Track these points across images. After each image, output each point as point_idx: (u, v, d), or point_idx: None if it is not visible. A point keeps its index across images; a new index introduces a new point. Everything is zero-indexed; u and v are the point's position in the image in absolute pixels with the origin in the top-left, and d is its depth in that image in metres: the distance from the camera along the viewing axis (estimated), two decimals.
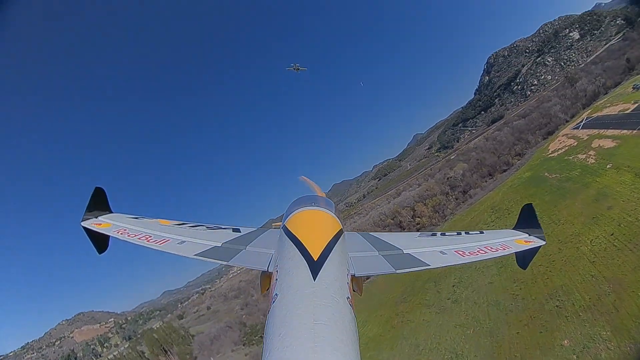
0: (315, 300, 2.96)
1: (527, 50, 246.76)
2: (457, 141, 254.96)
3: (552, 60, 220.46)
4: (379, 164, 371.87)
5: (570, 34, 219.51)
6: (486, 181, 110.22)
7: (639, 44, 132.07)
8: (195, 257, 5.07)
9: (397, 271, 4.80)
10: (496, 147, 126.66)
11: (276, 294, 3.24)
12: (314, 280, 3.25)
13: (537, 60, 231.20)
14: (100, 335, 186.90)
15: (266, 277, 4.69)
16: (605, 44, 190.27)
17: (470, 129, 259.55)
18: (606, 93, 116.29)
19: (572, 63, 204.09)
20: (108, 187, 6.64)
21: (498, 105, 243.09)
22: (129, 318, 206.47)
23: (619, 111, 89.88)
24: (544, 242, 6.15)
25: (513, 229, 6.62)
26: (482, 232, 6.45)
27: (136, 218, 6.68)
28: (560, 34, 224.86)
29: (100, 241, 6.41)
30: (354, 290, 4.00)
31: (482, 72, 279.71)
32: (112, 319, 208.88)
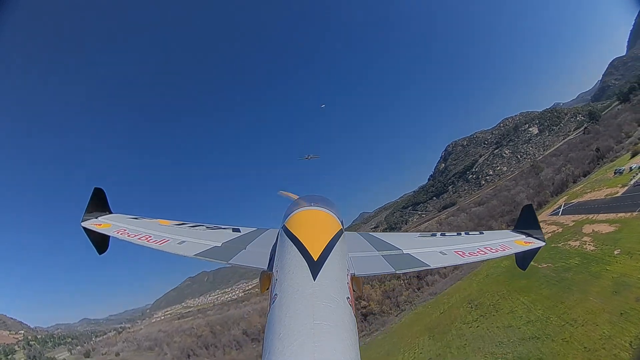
0: (315, 300, 2.97)
1: (486, 142, 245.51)
2: (406, 223, 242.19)
3: (509, 152, 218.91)
4: None
5: (530, 129, 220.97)
6: (445, 268, 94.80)
7: (605, 136, 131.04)
8: (195, 257, 5.05)
9: (397, 271, 4.75)
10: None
11: (276, 294, 3.26)
12: (314, 280, 3.24)
13: (494, 151, 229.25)
14: (7, 344, 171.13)
15: (266, 277, 4.63)
16: (563, 139, 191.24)
17: (420, 213, 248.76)
18: (575, 181, 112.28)
19: (529, 156, 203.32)
20: (107, 188, 6.66)
21: (451, 192, 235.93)
22: (39, 336, 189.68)
23: (606, 195, 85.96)
24: (543, 243, 6.09)
25: (513, 229, 6.59)
26: (482, 233, 6.44)
27: (136, 218, 6.67)
28: (520, 129, 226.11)
29: (100, 242, 6.40)
30: (354, 290, 3.90)
31: (439, 159, 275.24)
32: (23, 332, 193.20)
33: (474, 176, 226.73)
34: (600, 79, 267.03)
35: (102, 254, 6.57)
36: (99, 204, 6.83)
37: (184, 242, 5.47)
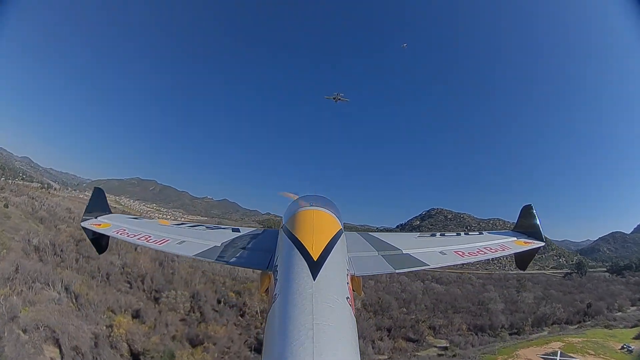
0: (315, 300, 2.97)
1: (469, 227, 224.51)
2: None
3: None
4: None
5: None
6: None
7: (593, 295, 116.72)
8: (195, 257, 5.15)
9: (397, 271, 4.84)
10: None
11: (276, 294, 3.31)
12: (314, 280, 3.24)
13: None
14: None
15: (266, 277, 4.64)
16: (539, 269, 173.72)
17: None
18: (558, 324, 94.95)
19: (499, 266, 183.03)
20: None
21: None
22: None
23: None
24: (543, 244, 6.23)
25: (512, 229, 6.78)
26: (482, 233, 6.68)
27: (135, 218, 6.88)
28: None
29: (100, 241, 6.57)
30: (353, 290, 3.99)
31: (417, 215, 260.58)
32: None
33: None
34: (594, 240, 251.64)
35: (101, 254, 6.83)
36: (99, 204, 6.87)
37: (183, 242, 5.41)
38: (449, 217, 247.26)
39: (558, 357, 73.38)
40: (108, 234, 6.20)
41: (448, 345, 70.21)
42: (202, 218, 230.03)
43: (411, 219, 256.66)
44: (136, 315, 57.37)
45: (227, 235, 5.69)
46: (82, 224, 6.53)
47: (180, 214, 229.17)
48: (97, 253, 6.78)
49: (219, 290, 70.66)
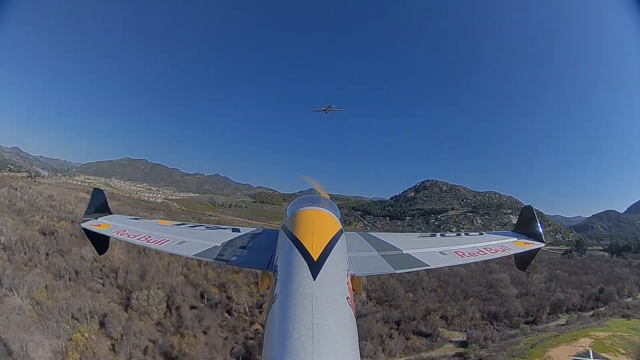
0: (315, 300, 2.96)
1: (465, 200, 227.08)
2: (349, 225, 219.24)
3: (480, 224, 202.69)
4: None
5: (510, 215, 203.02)
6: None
7: (599, 277, 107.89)
8: (195, 257, 5.08)
9: (397, 271, 4.78)
10: None
11: (276, 294, 3.29)
12: (314, 280, 3.24)
13: (468, 214, 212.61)
14: None
15: (266, 277, 4.61)
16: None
17: (366, 223, 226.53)
18: (573, 312, 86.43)
19: None
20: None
21: (406, 224, 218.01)
22: None
23: None
24: (543, 244, 6.12)
25: (512, 230, 6.59)
26: (482, 234, 6.51)
27: (136, 219, 6.76)
28: (502, 210, 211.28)
29: (100, 242, 6.47)
30: (353, 290, 4.00)
31: (411, 186, 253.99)
32: None
33: (436, 223, 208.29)
34: (588, 217, 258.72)
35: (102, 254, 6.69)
36: (99, 205, 6.77)
37: (183, 242, 5.33)
38: (444, 189, 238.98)
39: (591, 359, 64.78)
40: (108, 235, 6.05)
41: (465, 339, 61.69)
42: (193, 194, 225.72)
43: (405, 191, 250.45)
44: (103, 322, 46.95)
45: (227, 235, 5.58)
46: (83, 225, 6.36)
47: (171, 191, 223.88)
48: (97, 253, 6.61)
49: (200, 283, 59.58)
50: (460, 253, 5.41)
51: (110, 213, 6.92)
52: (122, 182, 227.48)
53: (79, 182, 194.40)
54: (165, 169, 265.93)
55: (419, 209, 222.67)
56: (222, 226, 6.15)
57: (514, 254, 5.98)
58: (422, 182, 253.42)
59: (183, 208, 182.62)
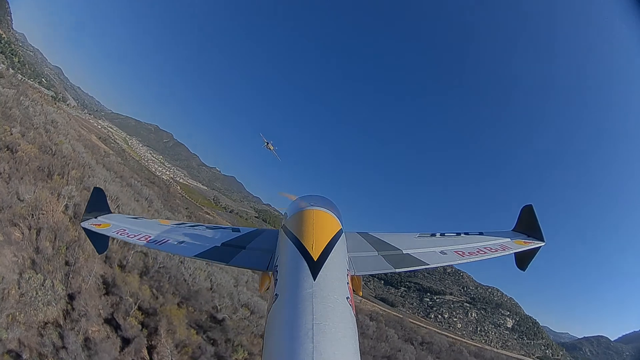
0: (315, 300, 2.89)
1: (465, 288, 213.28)
2: None
3: (474, 318, 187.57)
4: None
5: (507, 318, 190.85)
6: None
7: None
8: (195, 257, 5.01)
9: (397, 270, 4.72)
10: None
11: (276, 294, 3.21)
12: (314, 280, 3.16)
13: (465, 304, 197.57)
14: None
15: (266, 277, 4.48)
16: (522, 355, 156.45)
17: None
18: None
19: (491, 341, 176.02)
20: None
21: (397, 295, 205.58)
22: None
23: None
24: (543, 243, 5.89)
25: (512, 230, 6.31)
26: (482, 233, 6.15)
27: (135, 218, 6.58)
28: (500, 311, 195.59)
29: (100, 241, 6.30)
30: (353, 290, 3.92)
31: None
32: None
33: (430, 303, 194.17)
34: (578, 337, 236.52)
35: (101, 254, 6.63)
36: (99, 204, 6.56)
37: (183, 242, 5.25)
38: (449, 271, 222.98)
39: None
40: (108, 235, 5.82)
41: None
42: (202, 187, 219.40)
43: None
44: None
45: (227, 235, 5.45)
46: (82, 224, 6.15)
47: (183, 174, 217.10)
48: (97, 253, 6.26)
49: (113, 304, 39.02)
50: (460, 252, 5.17)
51: (110, 212, 6.55)
52: (140, 145, 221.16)
53: (100, 127, 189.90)
54: (186, 151, 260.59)
55: (417, 284, 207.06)
56: (222, 226, 5.81)
57: (514, 253, 5.67)
58: None
59: (182, 194, 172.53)
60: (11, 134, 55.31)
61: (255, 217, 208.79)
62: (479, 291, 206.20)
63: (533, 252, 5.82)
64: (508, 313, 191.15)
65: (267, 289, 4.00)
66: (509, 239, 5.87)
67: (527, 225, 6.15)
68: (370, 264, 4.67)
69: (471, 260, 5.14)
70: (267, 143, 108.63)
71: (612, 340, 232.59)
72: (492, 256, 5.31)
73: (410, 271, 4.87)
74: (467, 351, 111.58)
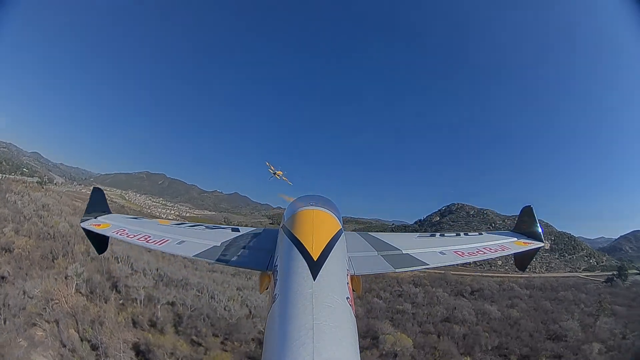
0: (315, 300, 2.89)
1: (494, 225, 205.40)
2: None
3: None
4: None
5: (545, 241, 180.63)
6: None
7: None
8: (195, 257, 4.97)
9: (397, 270, 4.69)
10: None
11: (276, 294, 3.20)
12: (314, 280, 3.15)
13: None
14: None
15: (265, 277, 4.51)
16: (570, 271, 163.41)
17: None
18: None
19: (530, 268, 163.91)
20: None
21: None
22: None
23: None
24: (542, 244, 5.95)
25: (512, 230, 6.45)
26: (481, 234, 6.26)
27: (135, 218, 6.47)
28: None
29: (99, 241, 6.19)
30: (353, 290, 3.91)
31: (436, 210, 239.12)
32: None
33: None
34: (615, 238, 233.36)
35: (101, 254, 6.42)
36: (98, 204, 6.56)
37: (183, 242, 5.20)
38: (472, 213, 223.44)
39: None
40: (107, 235, 5.77)
41: None
42: (209, 213, 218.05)
43: (430, 215, 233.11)
44: None
45: (227, 235, 5.40)
46: (82, 224, 6.10)
47: (187, 208, 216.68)
48: (97, 253, 6.20)
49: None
50: (459, 253, 5.15)
51: (110, 212, 6.50)
52: (138, 195, 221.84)
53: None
54: (183, 185, 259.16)
55: (443, 234, 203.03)
56: (222, 226, 5.84)
57: (514, 254, 5.71)
58: (448, 206, 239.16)
59: None
60: (4, 234, 54.39)
61: (270, 223, 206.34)
62: (507, 223, 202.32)
63: (532, 252, 5.79)
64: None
65: (267, 289, 3.92)
66: (508, 240, 5.89)
67: (527, 225, 6.18)
68: (370, 264, 4.61)
69: (471, 260, 5.08)
70: (275, 173, 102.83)
71: None
72: (492, 256, 5.28)
73: (409, 271, 4.86)
74: (517, 285, 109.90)
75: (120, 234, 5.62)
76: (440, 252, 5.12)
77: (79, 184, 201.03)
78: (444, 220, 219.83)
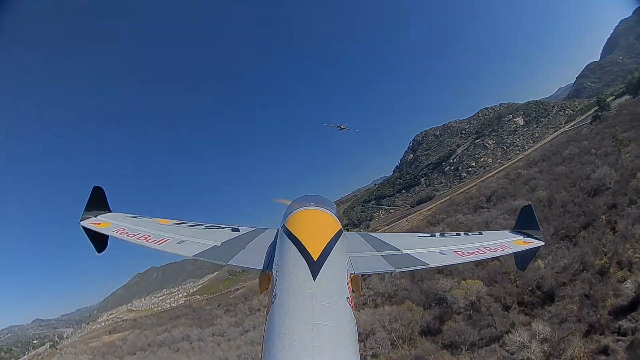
0: (315, 300, 2.80)
1: (464, 132, 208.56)
2: (370, 219, 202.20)
3: (492, 143, 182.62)
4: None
5: (515, 119, 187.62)
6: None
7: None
8: (194, 257, 4.76)
9: (397, 270, 4.51)
10: None
11: (276, 294, 3.07)
12: (314, 280, 3.05)
13: (475, 141, 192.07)
14: None
15: (265, 277, 4.16)
16: (555, 131, 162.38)
17: (386, 207, 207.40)
18: None
19: (517, 147, 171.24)
20: (107, 186, 6.24)
21: (424, 185, 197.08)
22: None
23: None
24: (542, 243, 5.75)
25: (512, 229, 6.12)
26: (482, 233, 6.01)
27: (135, 217, 6.17)
28: (504, 119, 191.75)
29: (99, 241, 5.89)
30: (353, 291, 3.63)
31: (406, 149, 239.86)
32: None
33: (452, 167, 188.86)
34: (574, 80, 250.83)
35: (101, 253, 6.04)
36: (98, 202, 6.20)
37: (183, 241, 5.00)
38: (437, 133, 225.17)
39: None
40: (108, 234, 5.53)
41: None
42: (212, 275, 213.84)
43: (403, 157, 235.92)
44: None
45: (227, 234, 5.18)
46: (82, 223, 5.83)
47: (191, 283, 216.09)
48: (96, 252, 5.97)
49: None
50: (460, 253, 4.97)
51: (110, 211, 6.22)
52: (142, 300, 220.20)
53: (104, 323, 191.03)
54: (175, 265, 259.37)
55: (427, 165, 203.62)
56: (222, 225, 5.61)
57: (514, 253, 5.51)
58: (414, 140, 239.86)
59: (207, 296, 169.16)
60: None
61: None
62: (474, 123, 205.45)
63: (532, 252, 5.62)
64: (510, 116, 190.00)
65: (267, 289, 3.80)
66: (509, 239, 5.73)
67: (527, 224, 6.00)
68: (369, 264, 4.46)
69: (471, 260, 4.95)
70: (340, 127, 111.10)
71: (599, 60, 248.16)
72: (492, 256, 5.16)
73: (409, 271, 4.79)
74: (522, 170, 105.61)
75: (120, 233, 5.39)
76: (440, 252, 4.92)
77: (87, 324, 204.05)
78: (418, 154, 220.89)
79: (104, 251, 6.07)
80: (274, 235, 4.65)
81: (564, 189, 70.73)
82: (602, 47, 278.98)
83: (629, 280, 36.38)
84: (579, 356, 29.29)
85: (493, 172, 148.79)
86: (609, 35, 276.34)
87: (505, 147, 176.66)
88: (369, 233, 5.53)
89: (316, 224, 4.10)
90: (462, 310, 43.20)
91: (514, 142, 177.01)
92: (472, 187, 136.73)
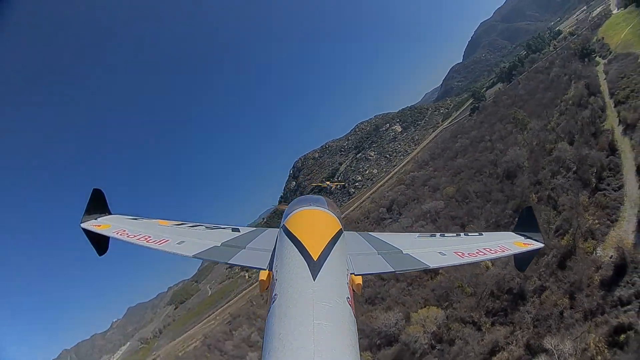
0: (315, 300, 2.85)
1: (343, 149, 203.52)
2: None
3: (375, 154, 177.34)
4: (174, 284, 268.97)
5: (393, 127, 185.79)
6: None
7: (529, 113, 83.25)
8: (194, 257, 4.85)
9: (397, 271, 4.56)
10: None
11: (276, 294, 3.14)
12: (314, 280, 3.12)
13: (357, 156, 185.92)
14: None
15: (265, 277, 4.20)
16: (435, 130, 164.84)
17: None
18: None
19: (400, 153, 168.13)
20: (107, 189, 6.20)
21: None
22: None
23: None
24: (542, 245, 5.78)
25: (512, 231, 6.13)
26: (481, 234, 6.04)
27: (135, 219, 6.23)
28: (381, 129, 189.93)
29: (100, 243, 5.96)
30: (353, 291, 3.77)
31: (287, 177, 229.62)
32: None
33: (338, 186, 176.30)
34: (441, 82, 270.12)
35: (102, 256, 6.07)
36: (98, 205, 6.29)
37: (183, 242, 5.04)
38: (316, 156, 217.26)
39: None
40: (108, 235, 5.59)
41: None
42: (209, 287, 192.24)
43: (286, 185, 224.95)
44: None
45: (227, 234, 5.22)
46: (82, 225, 5.87)
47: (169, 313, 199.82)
48: (97, 255, 5.95)
49: None
50: (459, 253, 5.00)
51: (110, 213, 6.29)
52: (151, 334, 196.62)
53: None
54: (143, 305, 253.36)
55: (312, 189, 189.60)
56: (222, 225, 5.58)
57: (514, 255, 5.50)
58: (293, 167, 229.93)
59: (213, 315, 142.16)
60: None
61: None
62: (352, 139, 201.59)
63: (532, 253, 5.61)
64: (387, 124, 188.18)
65: (267, 288, 3.78)
66: (508, 240, 5.69)
67: (527, 226, 5.94)
68: (370, 264, 4.42)
69: (470, 261, 4.96)
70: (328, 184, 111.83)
71: (462, 62, 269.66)
72: (492, 257, 5.15)
73: (409, 271, 4.69)
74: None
75: (120, 235, 5.42)
76: (440, 253, 4.93)
77: None
78: (301, 179, 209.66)
79: (104, 254, 5.87)
80: (274, 235, 4.55)
81: (471, 179, 62.88)
82: (464, 50, 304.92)
83: (598, 249, 36.12)
84: (597, 350, 27.37)
85: (382, 182, 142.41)
86: (469, 39, 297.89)
87: (388, 156, 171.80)
88: (370, 233, 5.38)
89: (316, 224, 4.07)
90: (426, 347, 37.92)
91: (395, 149, 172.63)
92: (364, 201, 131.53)
